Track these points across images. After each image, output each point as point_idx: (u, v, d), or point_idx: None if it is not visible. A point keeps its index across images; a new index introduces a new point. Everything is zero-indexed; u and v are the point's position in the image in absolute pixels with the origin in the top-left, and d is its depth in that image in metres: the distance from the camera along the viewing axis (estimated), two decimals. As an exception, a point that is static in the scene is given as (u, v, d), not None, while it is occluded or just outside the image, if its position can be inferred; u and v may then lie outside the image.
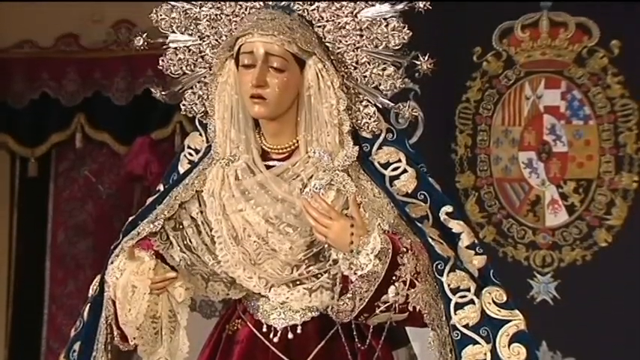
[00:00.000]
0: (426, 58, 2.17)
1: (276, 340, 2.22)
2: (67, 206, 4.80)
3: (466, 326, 2.12)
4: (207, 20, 2.27)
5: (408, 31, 2.17)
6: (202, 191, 2.27)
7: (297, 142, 2.22)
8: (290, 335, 2.22)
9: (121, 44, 4.62)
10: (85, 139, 4.69)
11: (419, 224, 2.18)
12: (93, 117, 4.66)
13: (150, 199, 2.35)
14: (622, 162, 3.87)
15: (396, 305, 2.07)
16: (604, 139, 3.89)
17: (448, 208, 2.22)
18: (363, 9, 2.18)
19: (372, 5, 2.18)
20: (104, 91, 4.63)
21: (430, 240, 2.14)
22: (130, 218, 2.32)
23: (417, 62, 2.18)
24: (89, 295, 2.35)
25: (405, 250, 2.09)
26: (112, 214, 4.60)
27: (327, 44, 2.21)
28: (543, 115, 3.94)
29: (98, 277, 2.31)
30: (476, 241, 2.21)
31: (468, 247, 2.20)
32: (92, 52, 4.67)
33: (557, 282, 3.90)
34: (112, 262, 2.22)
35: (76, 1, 4.54)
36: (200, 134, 2.35)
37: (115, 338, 2.22)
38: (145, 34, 2.32)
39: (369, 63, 2.21)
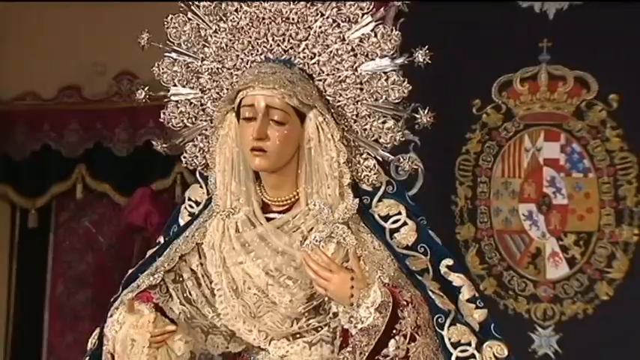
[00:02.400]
0: (426, 111, 2.19)
1: (276, 393, 2.21)
2: (66, 257, 4.80)
3: (467, 380, 2.11)
4: (208, 74, 2.29)
5: (407, 85, 2.19)
6: (202, 244, 2.27)
7: (298, 194, 2.22)
8: (290, 389, 2.21)
9: (123, 96, 4.65)
10: (86, 190, 4.70)
11: (419, 277, 2.17)
12: (94, 168, 4.68)
13: (150, 252, 2.35)
14: (622, 215, 3.87)
15: (397, 359, 2.06)
16: (604, 191, 3.90)
17: (448, 261, 2.22)
18: (363, 63, 2.20)
19: (372, 59, 2.20)
20: (105, 142, 4.65)
21: (431, 293, 2.14)
22: (130, 270, 2.31)
23: (416, 115, 2.19)
24: (88, 348, 2.33)
25: (405, 303, 2.08)
26: (111, 265, 4.58)
27: (327, 97, 2.23)
28: (543, 167, 3.95)
29: (97, 330, 2.29)
30: (476, 295, 2.21)
31: (468, 301, 2.19)
32: (94, 104, 4.70)
33: (559, 335, 3.88)
34: (111, 315, 2.22)
35: (78, 52, 4.59)
36: (201, 186, 2.36)
37: (114, 392, 2.21)
38: (147, 87, 2.34)
39: (369, 116, 2.22)
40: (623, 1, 3.79)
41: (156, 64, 2.32)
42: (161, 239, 2.37)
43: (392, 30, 2.19)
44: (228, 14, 2.26)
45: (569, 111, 3.95)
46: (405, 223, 2.23)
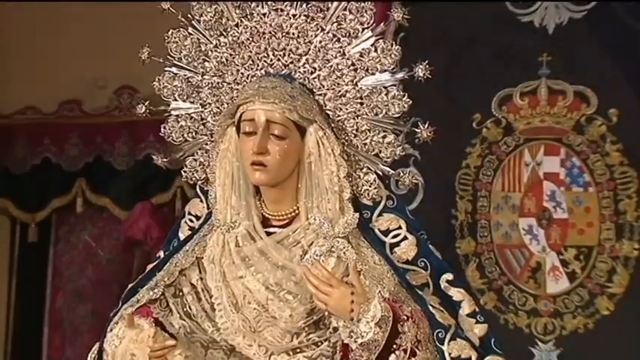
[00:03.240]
0: (426, 126, 2.19)
1: (275, 408, 2.20)
2: (66, 271, 4.79)
3: (468, 395, 2.11)
4: (209, 88, 2.29)
5: (407, 100, 2.19)
6: (203, 258, 2.27)
7: (298, 208, 2.22)
8: (290, 404, 2.20)
9: (123, 110, 4.66)
10: (86, 204, 4.70)
11: (419, 292, 2.17)
12: (94, 182, 4.68)
13: (150, 266, 2.35)
14: (622, 229, 3.86)
15: (397, 374, 2.06)
16: (604, 206, 3.89)
17: (449, 276, 2.22)
18: (363, 77, 2.21)
19: (373, 74, 2.20)
20: (105, 156, 4.65)
21: (431, 308, 2.13)
22: (130, 285, 2.31)
23: (416, 130, 2.19)
24: (87, 363, 2.33)
25: (405, 318, 2.08)
26: (111, 279, 4.58)
27: (327, 112, 2.23)
28: (543, 181, 3.95)
29: (97, 345, 2.29)
30: (477, 310, 2.20)
31: (468, 316, 2.19)
32: (94, 118, 4.70)
33: (560, 350, 3.87)
34: (111, 330, 2.21)
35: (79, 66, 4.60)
36: (201, 201, 2.36)
37: (113, 407, 2.20)
38: (147, 101, 2.35)
39: (369, 130, 2.23)
40: (623, 12, 3.79)
41: (156, 79, 2.32)
42: (161, 253, 2.37)
43: (392, 45, 2.19)
44: (229, 29, 2.26)
45: (569, 125, 3.95)
46: (405, 238, 2.23)
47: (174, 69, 2.31)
